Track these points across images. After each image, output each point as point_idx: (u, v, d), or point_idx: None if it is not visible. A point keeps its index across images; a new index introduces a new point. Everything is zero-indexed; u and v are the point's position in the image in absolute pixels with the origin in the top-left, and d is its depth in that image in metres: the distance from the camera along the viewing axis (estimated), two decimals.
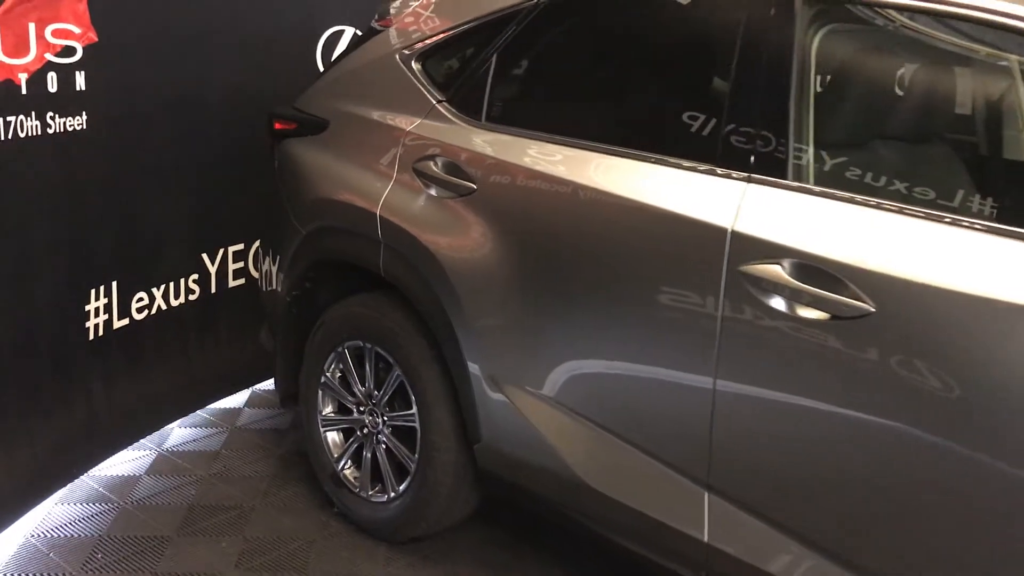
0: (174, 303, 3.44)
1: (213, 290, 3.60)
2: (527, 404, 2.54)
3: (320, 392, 3.09)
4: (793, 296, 2.00)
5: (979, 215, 1.94)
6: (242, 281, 3.72)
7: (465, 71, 2.78)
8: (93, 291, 3.08)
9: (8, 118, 2.68)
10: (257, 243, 3.70)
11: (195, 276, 3.52)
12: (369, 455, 2.98)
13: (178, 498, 3.21)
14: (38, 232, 2.86)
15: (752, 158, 2.14)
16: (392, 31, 3.01)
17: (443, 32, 2.86)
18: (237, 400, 3.96)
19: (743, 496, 2.16)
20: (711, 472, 2.19)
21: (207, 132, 3.45)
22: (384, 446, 2.93)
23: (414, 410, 2.80)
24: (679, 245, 2.20)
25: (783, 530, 2.10)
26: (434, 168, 2.70)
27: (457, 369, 2.66)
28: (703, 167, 2.21)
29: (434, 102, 2.80)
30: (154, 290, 3.35)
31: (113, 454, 3.38)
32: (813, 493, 2.06)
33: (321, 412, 3.10)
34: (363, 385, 2.97)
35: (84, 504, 3.15)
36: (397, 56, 2.93)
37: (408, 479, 2.86)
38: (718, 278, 2.10)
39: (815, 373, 2.00)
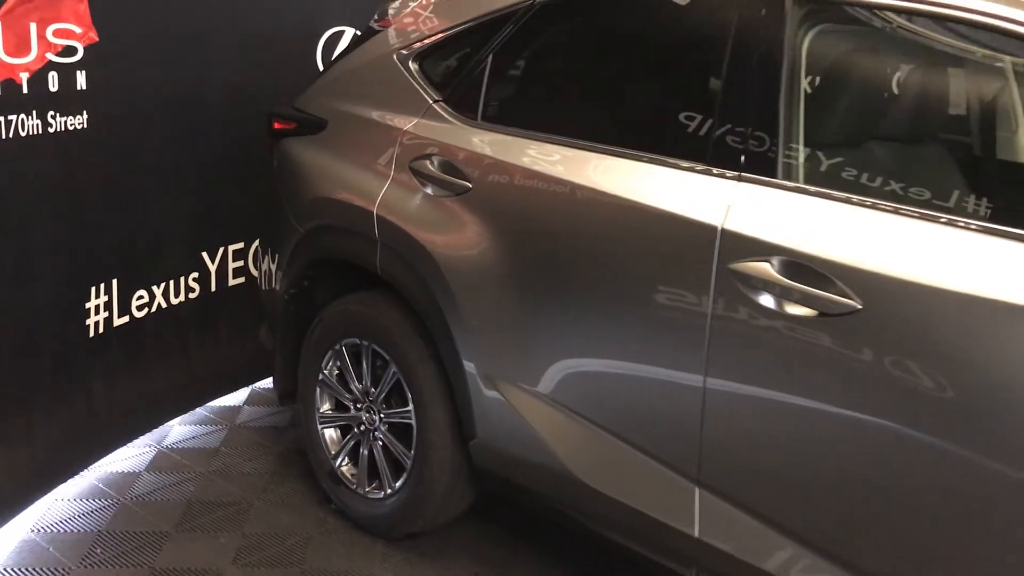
0: (174, 301, 3.46)
1: (213, 288, 3.62)
2: (522, 402, 2.56)
3: (318, 389, 3.11)
4: (782, 294, 2.02)
5: (967, 214, 1.96)
6: (242, 280, 3.74)
7: (462, 71, 2.80)
8: (93, 289, 3.11)
9: (9, 117, 2.70)
10: (257, 242, 3.73)
11: (195, 274, 3.54)
12: (366, 452, 3.00)
13: (177, 494, 3.23)
14: (39, 230, 2.88)
15: (743, 157, 2.16)
16: (391, 31, 3.03)
17: (440, 32, 2.88)
18: (237, 398, 3.98)
19: (733, 492, 2.18)
20: (701, 468, 2.21)
21: (207, 132, 3.47)
22: (381, 443, 2.95)
23: (410, 407, 2.82)
24: (671, 244, 2.22)
25: (772, 525, 2.12)
26: (430, 167, 2.72)
27: (453, 367, 2.68)
28: (694, 166, 2.23)
29: (431, 102, 2.82)
30: (154, 288, 3.37)
31: (113, 451, 3.41)
32: (803, 489, 2.08)
33: (319, 409, 3.12)
34: (360, 382, 2.99)
35: (84, 500, 3.17)
36: (395, 56, 2.95)
37: (404, 476, 2.88)
38: (708, 276, 2.12)
39: (803, 370, 2.02)
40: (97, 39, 2.93)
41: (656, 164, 2.31)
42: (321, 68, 3.69)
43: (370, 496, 3.00)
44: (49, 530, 2.99)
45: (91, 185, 3.06)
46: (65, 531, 2.99)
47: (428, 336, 2.75)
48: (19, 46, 2.71)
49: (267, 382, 3.93)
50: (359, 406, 3.00)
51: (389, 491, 2.94)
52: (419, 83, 2.87)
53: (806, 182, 2.10)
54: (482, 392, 2.62)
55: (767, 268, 2.04)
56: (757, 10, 2.20)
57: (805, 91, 2.17)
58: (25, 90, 2.74)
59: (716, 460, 2.19)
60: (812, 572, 2.07)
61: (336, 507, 3.13)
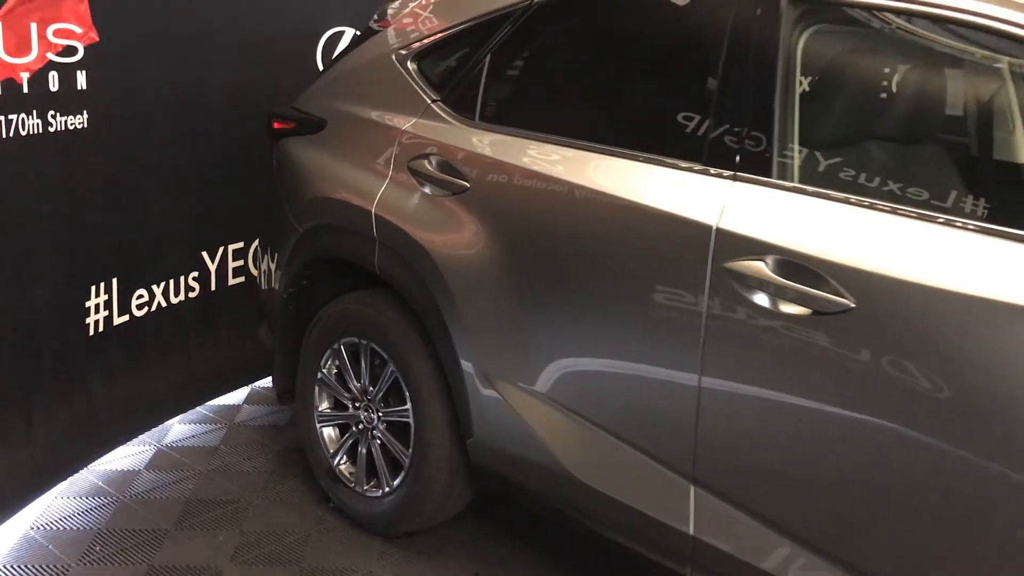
0: (174, 300, 3.47)
1: (213, 288, 3.64)
2: (519, 400, 2.57)
3: (316, 388, 3.12)
4: (776, 292, 2.03)
5: (964, 214, 1.96)
6: (242, 279, 3.75)
7: (460, 71, 2.81)
8: (93, 288, 3.12)
9: (10, 116, 2.71)
10: (256, 241, 3.74)
11: (195, 274, 3.55)
12: (364, 451, 3.01)
13: (176, 492, 3.24)
14: (39, 229, 2.90)
15: (738, 157, 2.17)
16: (390, 31, 3.04)
17: (439, 32, 2.89)
18: (236, 397, 3.99)
19: (728, 490, 2.19)
20: (696, 466, 2.22)
21: (207, 132, 3.48)
22: (379, 441, 2.96)
23: (408, 406, 2.83)
24: (667, 243, 2.23)
25: (768, 524, 2.12)
26: (428, 167, 2.73)
27: (450, 366, 2.69)
28: (691, 166, 2.24)
29: (429, 102, 2.83)
30: (154, 287, 3.38)
31: (113, 449, 3.42)
32: (797, 488, 2.09)
33: (317, 408, 3.13)
34: (359, 381, 3.00)
35: (84, 498, 3.19)
36: (394, 56, 2.96)
37: (402, 474, 2.89)
38: (703, 275, 2.13)
39: (798, 368, 2.02)
40: (97, 39, 2.95)
41: (653, 164, 2.32)
42: (321, 68, 3.70)
43: (368, 494, 3.01)
44: (49, 528, 3.01)
45: (91, 185, 3.07)
46: (65, 529, 3.01)
47: (426, 335, 2.76)
48: (19, 46, 2.72)
49: (266, 381, 3.94)
50: (357, 405, 3.02)
51: (387, 489, 2.95)
52: (418, 83, 2.89)
53: (801, 182, 2.11)
54: (479, 391, 2.63)
55: (762, 267, 2.05)
56: (753, 10, 2.21)
57: (801, 91, 2.17)
58: (25, 90, 2.75)
59: (711, 458, 2.20)
60: (810, 571, 2.08)
61: (334, 505, 3.14)
